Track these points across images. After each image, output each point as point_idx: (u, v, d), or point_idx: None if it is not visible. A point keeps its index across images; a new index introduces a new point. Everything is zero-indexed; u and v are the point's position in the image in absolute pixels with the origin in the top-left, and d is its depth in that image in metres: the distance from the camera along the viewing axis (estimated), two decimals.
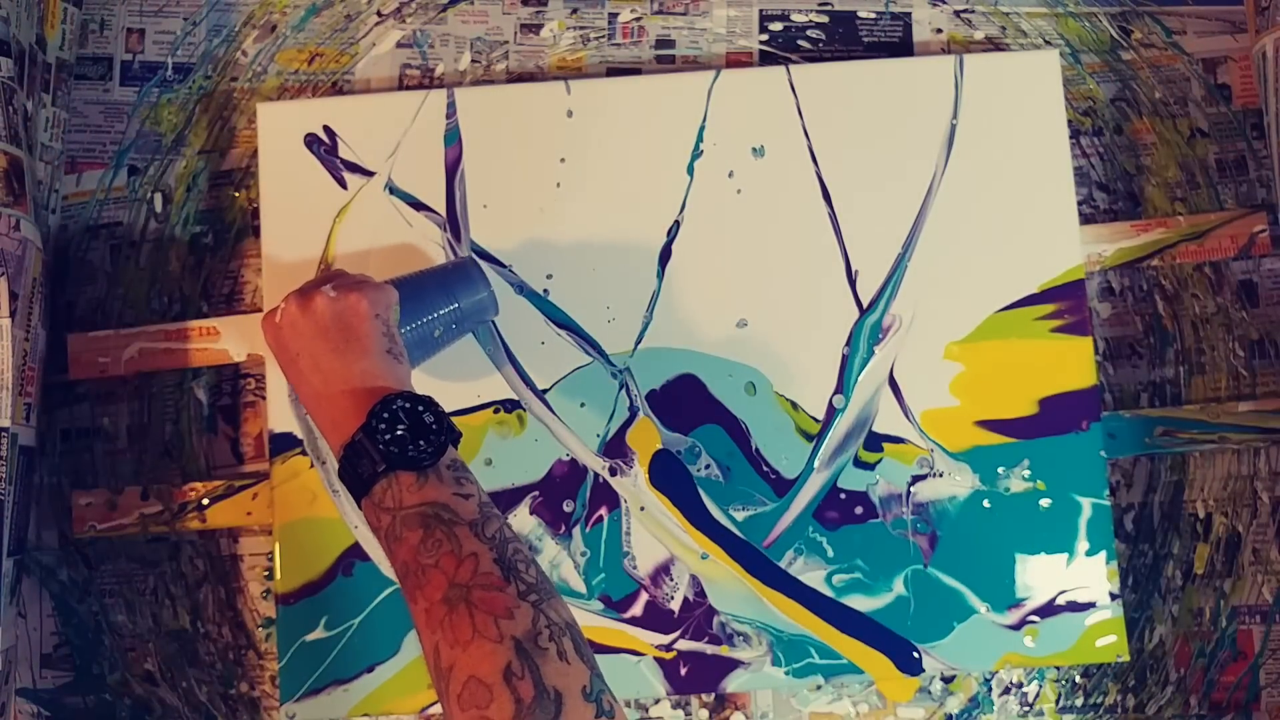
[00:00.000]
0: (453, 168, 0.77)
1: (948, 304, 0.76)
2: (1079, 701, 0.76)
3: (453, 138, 0.78)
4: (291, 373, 0.62)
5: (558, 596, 0.53)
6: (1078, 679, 0.76)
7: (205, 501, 0.76)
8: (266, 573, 0.77)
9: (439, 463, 0.56)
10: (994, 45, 0.81)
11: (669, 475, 0.75)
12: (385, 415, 0.56)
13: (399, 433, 0.56)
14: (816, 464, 0.75)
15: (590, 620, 0.74)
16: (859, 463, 0.75)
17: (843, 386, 0.75)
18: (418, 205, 0.77)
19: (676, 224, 0.77)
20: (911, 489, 0.75)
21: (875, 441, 0.75)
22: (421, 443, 0.56)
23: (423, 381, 0.75)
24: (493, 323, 0.76)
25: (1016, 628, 0.73)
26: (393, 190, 0.77)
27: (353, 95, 0.81)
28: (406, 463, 0.55)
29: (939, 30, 0.82)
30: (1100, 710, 0.76)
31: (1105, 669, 0.76)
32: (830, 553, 0.74)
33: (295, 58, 0.82)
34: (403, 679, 0.74)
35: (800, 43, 0.82)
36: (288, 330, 0.62)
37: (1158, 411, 0.77)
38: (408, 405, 0.57)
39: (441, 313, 0.68)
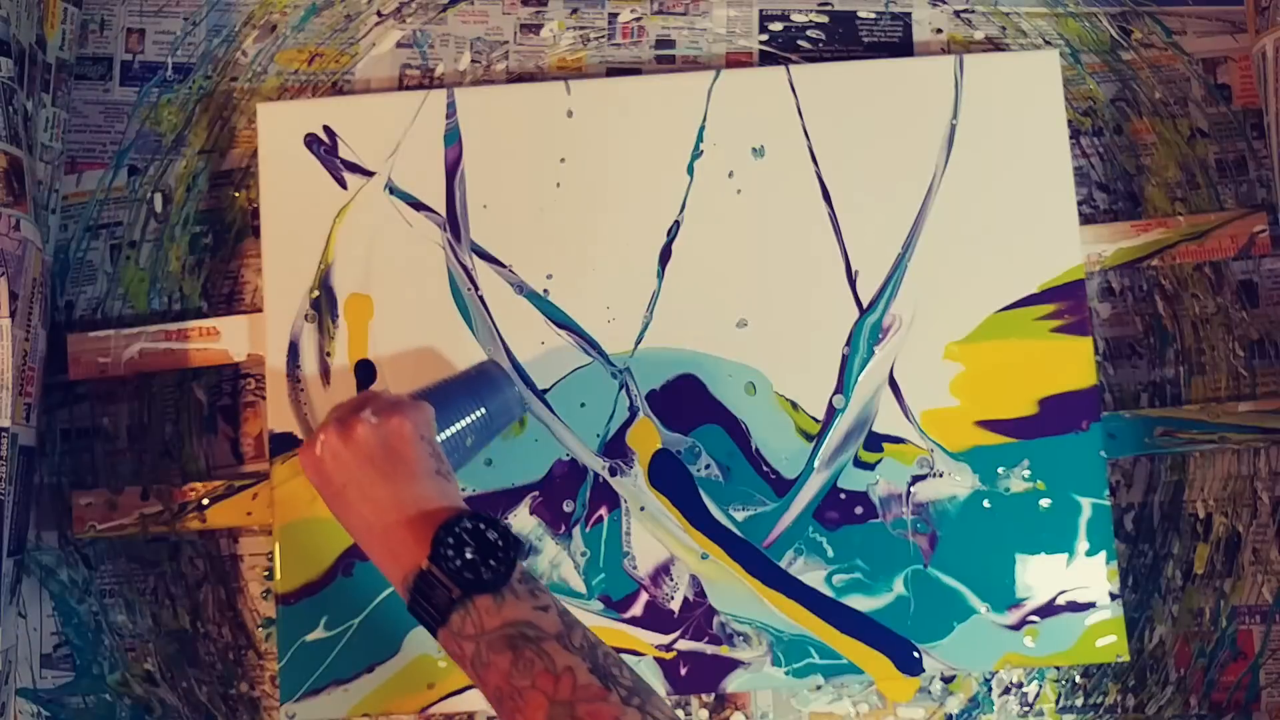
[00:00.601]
0: (453, 168, 0.77)
1: (948, 304, 0.76)
2: (1079, 701, 0.76)
3: (453, 138, 0.78)
4: (338, 504, 0.60)
5: (655, 693, 0.52)
6: (1078, 679, 0.76)
7: (205, 501, 0.76)
8: (266, 573, 0.77)
9: (511, 579, 0.54)
10: (994, 45, 0.81)
11: (669, 475, 0.75)
12: (450, 540, 0.55)
13: (468, 556, 0.54)
14: (816, 464, 0.75)
15: (590, 620, 0.74)
16: (859, 463, 0.75)
17: (843, 386, 0.75)
18: (418, 205, 0.77)
19: (676, 224, 0.77)
20: (911, 489, 0.75)
21: (875, 441, 0.75)
22: (492, 562, 0.54)
23: (423, 380, 0.75)
24: (492, 322, 0.76)
25: (1016, 628, 0.73)
26: (393, 190, 0.77)
27: (353, 95, 0.81)
28: (481, 586, 0.54)
29: (939, 30, 0.82)
30: (1100, 710, 0.76)
31: (1105, 669, 0.76)
32: (830, 553, 0.74)
33: (295, 58, 0.82)
34: (403, 679, 0.74)
35: (800, 43, 0.82)
36: (330, 462, 0.59)
37: (1158, 411, 0.77)
38: (470, 526, 0.55)
39: (471, 419, 0.67)
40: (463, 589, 0.54)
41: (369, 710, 0.74)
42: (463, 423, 0.66)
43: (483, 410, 0.67)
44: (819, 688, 0.76)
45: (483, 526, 0.55)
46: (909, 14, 0.82)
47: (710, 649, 0.74)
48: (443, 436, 0.65)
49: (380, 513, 0.58)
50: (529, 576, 0.56)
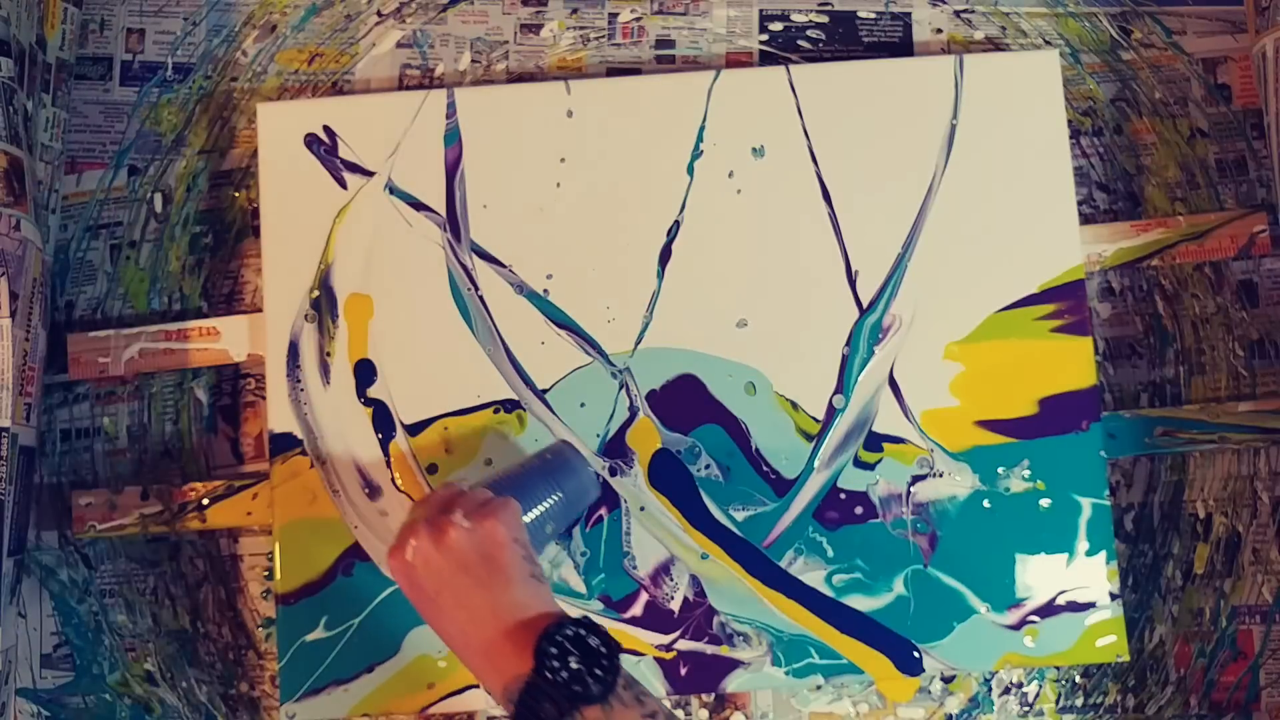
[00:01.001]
0: (453, 168, 0.77)
1: (948, 304, 0.76)
2: (1079, 701, 0.76)
3: (453, 138, 0.78)
4: (430, 611, 0.59)
5: None
6: (1078, 679, 0.76)
7: (205, 501, 0.76)
8: (266, 573, 0.77)
9: (617, 687, 0.54)
10: (994, 45, 0.81)
11: (669, 475, 0.75)
12: (554, 650, 0.53)
13: (573, 666, 0.53)
14: (816, 464, 0.75)
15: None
16: (859, 463, 0.75)
17: (843, 386, 0.75)
18: (418, 205, 0.77)
19: (676, 224, 0.77)
20: (911, 489, 0.75)
21: (875, 441, 0.75)
22: (597, 671, 0.53)
23: (423, 380, 0.75)
24: (492, 322, 0.76)
25: (1016, 628, 0.73)
26: (393, 190, 0.77)
27: (353, 95, 0.81)
28: (589, 698, 0.53)
29: (939, 30, 0.82)
30: (1100, 710, 0.76)
31: (1105, 669, 0.76)
32: (830, 553, 0.74)
33: (295, 58, 0.82)
34: (403, 679, 0.74)
35: (800, 43, 0.82)
36: (422, 569, 0.58)
37: (1158, 411, 0.77)
38: (571, 633, 0.54)
39: (549, 506, 0.65)
40: (571, 702, 0.53)
41: (369, 710, 0.74)
42: (541, 509, 0.65)
43: (560, 495, 0.66)
44: (819, 688, 0.76)
45: (583, 633, 0.54)
46: (909, 14, 0.82)
47: (710, 649, 0.74)
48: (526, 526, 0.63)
49: (477, 621, 0.57)
50: (633, 681, 0.55)
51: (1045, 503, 0.74)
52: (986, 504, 0.74)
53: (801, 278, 0.76)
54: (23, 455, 0.72)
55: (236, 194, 0.81)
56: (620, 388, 0.76)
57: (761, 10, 0.82)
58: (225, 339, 0.78)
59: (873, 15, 0.82)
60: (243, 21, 0.82)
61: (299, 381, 0.76)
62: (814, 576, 0.74)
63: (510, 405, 0.76)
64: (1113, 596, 0.73)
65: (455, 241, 0.77)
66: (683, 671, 0.74)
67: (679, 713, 0.76)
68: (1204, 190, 0.80)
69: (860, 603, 0.74)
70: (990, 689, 0.76)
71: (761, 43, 0.82)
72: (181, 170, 0.81)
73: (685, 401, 0.75)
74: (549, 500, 0.65)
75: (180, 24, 0.82)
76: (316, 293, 0.77)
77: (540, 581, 0.59)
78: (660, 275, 0.76)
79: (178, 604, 0.77)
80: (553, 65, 0.82)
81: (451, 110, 0.78)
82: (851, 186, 0.77)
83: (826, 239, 0.76)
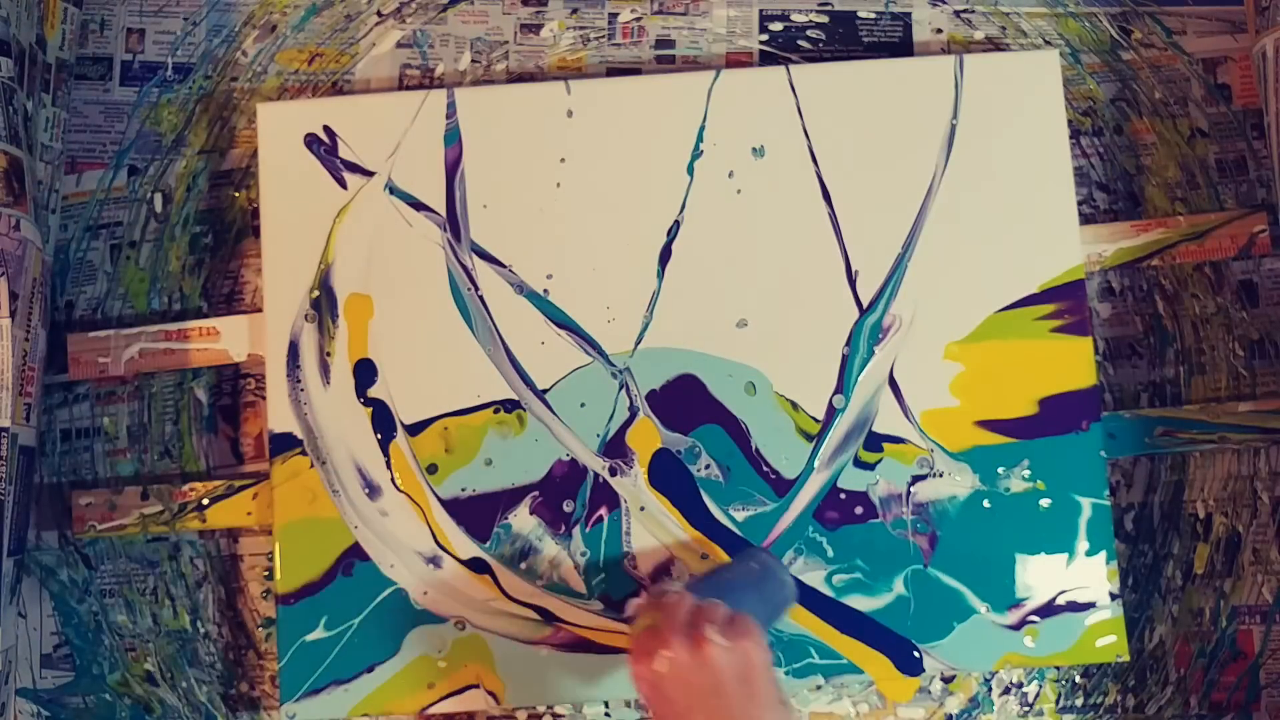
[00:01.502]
0: (453, 168, 0.77)
1: (948, 304, 0.76)
2: (1079, 701, 0.76)
3: (453, 138, 0.78)
4: None
5: None
6: (1078, 679, 0.76)
7: (205, 501, 0.76)
8: (266, 573, 0.77)
9: None
10: (994, 45, 0.81)
11: (669, 475, 0.75)
12: None
13: None
14: (816, 464, 0.75)
15: (590, 620, 0.74)
16: (859, 463, 0.75)
17: (843, 386, 0.75)
18: (418, 205, 0.77)
19: (676, 224, 0.77)
20: (911, 489, 0.75)
21: (875, 441, 0.75)
22: None
23: (423, 380, 0.75)
24: (492, 322, 0.76)
25: (1016, 628, 0.73)
26: (393, 190, 0.77)
27: (353, 95, 0.81)
28: None
29: (939, 30, 0.82)
30: (1100, 710, 0.76)
31: (1105, 669, 0.76)
32: (830, 553, 0.74)
33: (295, 58, 0.82)
34: (403, 679, 0.74)
35: (800, 43, 0.82)
36: (673, 683, 0.57)
37: (1158, 411, 0.77)
38: None
39: (759, 618, 0.64)
40: None
41: (369, 710, 0.74)
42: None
43: (765, 605, 0.67)
44: (819, 688, 0.76)
45: None
46: (909, 14, 0.82)
47: None
48: None
49: None
50: None
51: (1045, 503, 0.74)
52: (986, 504, 0.74)
53: (801, 278, 0.76)
54: (23, 455, 0.72)
55: (236, 194, 0.81)
56: (620, 388, 0.76)
57: (761, 10, 0.82)
58: (225, 339, 0.78)
59: (873, 15, 0.82)
60: (243, 21, 0.82)
61: (299, 381, 0.76)
62: (814, 576, 0.74)
63: (510, 405, 0.76)
64: (1113, 596, 0.73)
65: (455, 241, 0.77)
66: None
67: None
68: (1204, 190, 0.80)
69: (860, 603, 0.74)
70: (990, 689, 0.76)
71: (761, 43, 0.82)
72: (181, 170, 0.81)
73: (685, 401, 0.75)
74: (759, 610, 0.65)
75: (180, 24, 0.82)
76: (316, 293, 0.77)
77: (788, 708, 0.59)
78: (660, 275, 0.76)
79: (178, 604, 0.77)
80: (553, 65, 0.82)
81: (451, 110, 0.78)
82: (851, 186, 0.77)
83: (826, 239, 0.76)
